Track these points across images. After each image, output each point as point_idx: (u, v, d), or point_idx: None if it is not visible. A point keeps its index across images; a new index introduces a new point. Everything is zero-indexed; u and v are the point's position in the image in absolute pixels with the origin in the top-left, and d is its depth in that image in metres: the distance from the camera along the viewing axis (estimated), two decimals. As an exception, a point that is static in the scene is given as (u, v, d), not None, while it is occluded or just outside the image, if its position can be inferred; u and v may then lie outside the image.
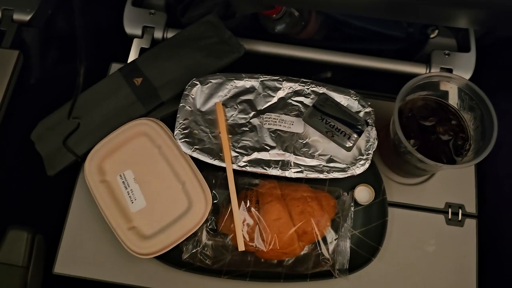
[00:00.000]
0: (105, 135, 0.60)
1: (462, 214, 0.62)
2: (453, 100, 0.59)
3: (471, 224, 0.62)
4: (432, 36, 0.76)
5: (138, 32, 0.71)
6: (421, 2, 0.48)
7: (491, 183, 0.66)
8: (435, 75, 0.57)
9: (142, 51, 0.70)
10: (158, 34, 0.71)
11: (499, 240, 0.63)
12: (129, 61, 0.69)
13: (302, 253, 0.57)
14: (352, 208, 0.58)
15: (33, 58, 0.69)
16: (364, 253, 0.59)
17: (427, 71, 0.69)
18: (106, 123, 0.61)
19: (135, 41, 0.71)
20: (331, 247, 0.57)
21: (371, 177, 0.61)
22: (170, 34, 0.71)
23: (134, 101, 0.62)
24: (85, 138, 0.61)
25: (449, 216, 0.62)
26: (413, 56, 0.79)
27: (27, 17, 0.67)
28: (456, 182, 0.64)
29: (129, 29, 0.71)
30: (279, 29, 0.76)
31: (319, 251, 0.56)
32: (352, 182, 0.61)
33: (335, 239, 0.57)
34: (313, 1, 0.60)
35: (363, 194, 0.61)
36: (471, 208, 0.62)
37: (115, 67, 0.68)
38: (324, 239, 0.57)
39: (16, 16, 0.67)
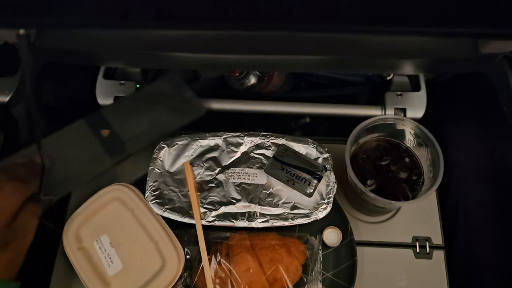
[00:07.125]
0: (77, 182, 0.62)
1: (430, 247, 0.64)
2: (409, 138, 0.63)
3: (439, 256, 0.64)
4: (388, 78, 0.80)
5: (110, 101, 0.75)
6: (359, 57, 0.52)
7: (457, 214, 0.68)
8: (378, 119, 0.61)
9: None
10: (128, 103, 0.75)
11: (468, 268, 0.64)
12: None
13: (277, 300, 0.59)
14: (321, 252, 0.61)
15: (15, 134, 0.73)
16: (337, 294, 0.60)
17: (383, 113, 0.73)
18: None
19: (108, 110, 0.75)
20: (303, 292, 0.58)
21: (337, 219, 0.64)
22: (139, 102, 0.75)
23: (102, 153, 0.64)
24: (60, 185, 0.61)
25: (417, 250, 0.64)
26: (380, 98, 0.83)
27: (6, 99, 0.72)
28: (421, 216, 0.66)
29: (101, 100, 0.76)
30: (245, 86, 0.81)
31: (292, 297, 0.58)
32: (320, 226, 0.63)
33: (306, 283, 0.59)
34: (267, 65, 0.64)
35: (331, 236, 0.63)
36: (438, 239, 0.65)
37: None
38: (297, 284, 0.59)
39: None
